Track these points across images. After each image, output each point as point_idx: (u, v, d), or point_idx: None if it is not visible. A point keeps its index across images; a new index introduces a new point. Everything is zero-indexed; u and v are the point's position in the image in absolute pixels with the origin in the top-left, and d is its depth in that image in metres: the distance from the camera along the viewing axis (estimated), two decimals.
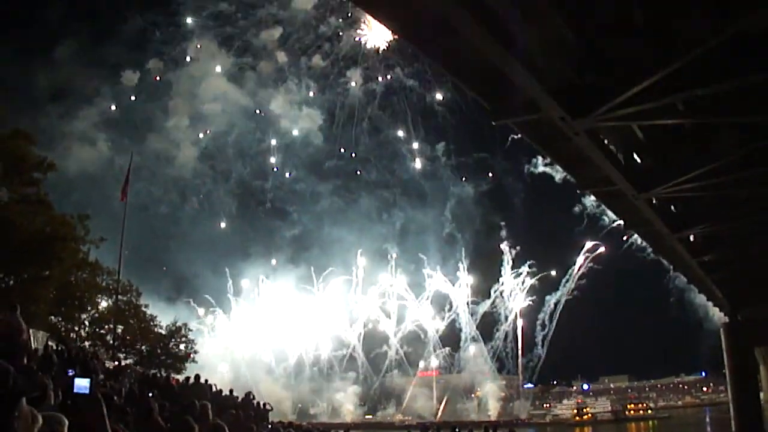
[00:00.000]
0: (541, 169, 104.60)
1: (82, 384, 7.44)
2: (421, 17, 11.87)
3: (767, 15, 11.18)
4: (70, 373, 12.25)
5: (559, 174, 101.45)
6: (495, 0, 11.16)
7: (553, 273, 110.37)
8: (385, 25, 14.30)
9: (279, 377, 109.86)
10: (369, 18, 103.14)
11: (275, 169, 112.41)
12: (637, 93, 13.00)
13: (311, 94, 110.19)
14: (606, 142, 17.03)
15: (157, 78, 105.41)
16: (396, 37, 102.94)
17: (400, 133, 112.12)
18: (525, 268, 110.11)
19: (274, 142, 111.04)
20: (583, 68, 13.48)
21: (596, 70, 13.49)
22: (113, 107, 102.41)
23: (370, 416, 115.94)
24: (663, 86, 12.77)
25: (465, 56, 12.89)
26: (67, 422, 5.99)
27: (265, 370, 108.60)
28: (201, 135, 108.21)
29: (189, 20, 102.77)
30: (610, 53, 13.23)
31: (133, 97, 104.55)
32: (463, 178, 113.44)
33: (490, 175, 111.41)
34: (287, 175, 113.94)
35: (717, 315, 47.93)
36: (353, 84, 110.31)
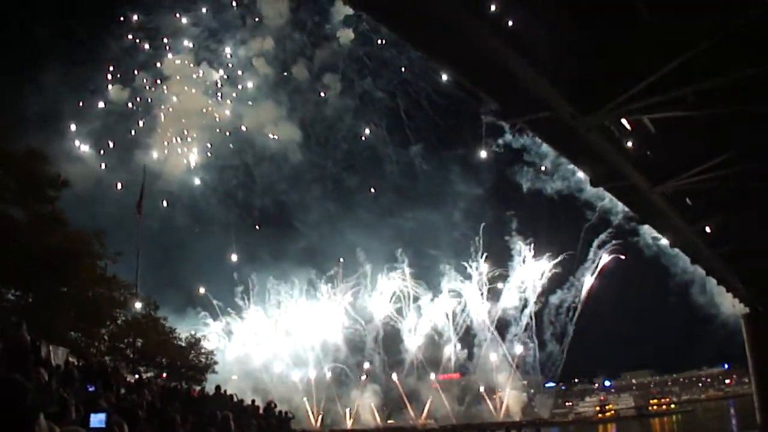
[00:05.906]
0: (527, 184, 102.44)
1: (97, 419, 7.29)
2: (427, 21, 11.89)
3: None
4: (90, 389, 12.35)
5: (550, 188, 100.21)
6: (501, 2, 11.18)
7: (560, 270, 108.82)
8: (392, 31, 14.32)
9: (296, 384, 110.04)
10: (341, 29, 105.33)
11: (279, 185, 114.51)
12: (646, 87, 12.95)
13: (289, 106, 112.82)
14: (618, 136, 16.95)
15: (139, 97, 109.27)
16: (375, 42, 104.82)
17: (381, 137, 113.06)
18: (539, 265, 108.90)
19: (253, 155, 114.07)
20: (592, 65, 13.44)
21: (605, 66, 13.44)
22: (100, 125, 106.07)
23: (392, 421, 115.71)
24: (672, 79, 12.71)
25: (473, 58, 12.89)
26: None
27: (281, 377, 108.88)
28: (185, 150, 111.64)
29: (167, 40, 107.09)
30: (618, 49, 13.18)
31: (118, 115, 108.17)
32: (444, 174, 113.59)
33: (485, 173, 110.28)
34: (276, 186, 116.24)
35: (736, 306, 47.24)
36: (330, 93, 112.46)
